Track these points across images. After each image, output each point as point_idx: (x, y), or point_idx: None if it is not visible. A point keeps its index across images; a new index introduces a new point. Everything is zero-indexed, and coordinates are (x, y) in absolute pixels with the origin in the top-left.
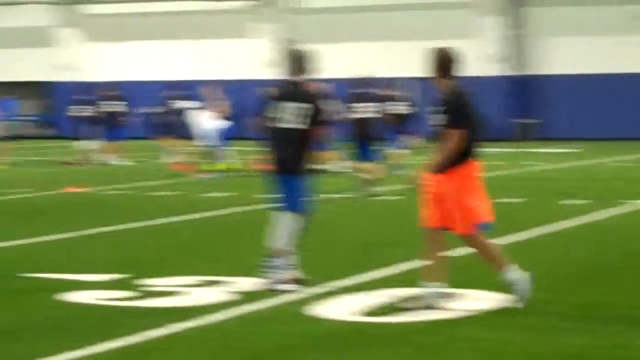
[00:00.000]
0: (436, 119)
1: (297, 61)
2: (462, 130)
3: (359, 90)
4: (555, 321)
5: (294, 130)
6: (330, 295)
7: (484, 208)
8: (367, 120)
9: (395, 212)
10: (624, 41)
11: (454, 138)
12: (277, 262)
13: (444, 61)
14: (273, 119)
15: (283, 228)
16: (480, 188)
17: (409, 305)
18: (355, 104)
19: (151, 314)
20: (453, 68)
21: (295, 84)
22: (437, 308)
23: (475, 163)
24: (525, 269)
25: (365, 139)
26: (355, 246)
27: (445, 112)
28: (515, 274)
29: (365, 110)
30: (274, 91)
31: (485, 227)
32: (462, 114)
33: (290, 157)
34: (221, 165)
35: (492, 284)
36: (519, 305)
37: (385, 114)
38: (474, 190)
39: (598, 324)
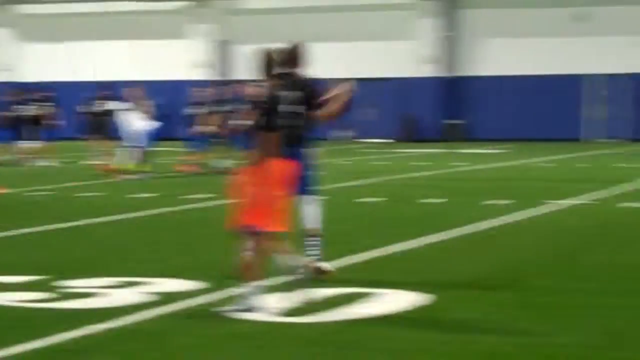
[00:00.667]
0: (245, 119)
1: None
2: (269, 131)
3: None
4: (471, 320)
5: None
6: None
7: (278, 215)
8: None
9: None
10: (556, 43)
11: (262, 138)
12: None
13: (265, 62)
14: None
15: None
16: (283, 190)
17: (236, 307)
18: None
19: (69, 315)
20: (274, 69)
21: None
22: (259, 308)
23: (282, 164)
24: (444, 268)
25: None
26: None
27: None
28: (252, 292)
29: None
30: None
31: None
32: (272, 114)
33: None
34: (131, 166)
35: (410, 283)
36: (227, 309)
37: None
38: (276, 191)
39: (510, 322)
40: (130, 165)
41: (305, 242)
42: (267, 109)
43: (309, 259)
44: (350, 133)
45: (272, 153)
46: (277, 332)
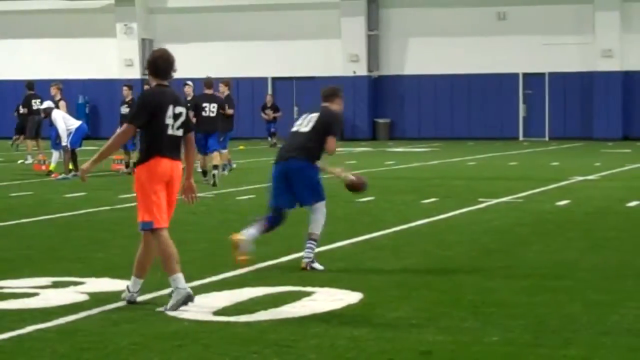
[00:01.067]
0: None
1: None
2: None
3: (208, 91)
4: (401, 317)
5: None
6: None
7: (162, 210)
8: (213, 120)
9: (246, 212)
10: (481, 42)
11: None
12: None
13: (151, 63)
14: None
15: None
16: (167, 187)
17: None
18: (206, 104)
19: (0, 317)
20: (160, 70)
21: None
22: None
23: (167, 162)
24: (374, 266)
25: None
26: (208, 246)
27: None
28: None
29: (212, 110)
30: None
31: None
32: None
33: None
34: (53, 166)
35: (342, 282)
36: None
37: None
38: (157, 188)
39: (440, 320)
40: (56, 165)
41: (306, 244)
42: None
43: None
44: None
45: (158, 151)
46: (214, 332)
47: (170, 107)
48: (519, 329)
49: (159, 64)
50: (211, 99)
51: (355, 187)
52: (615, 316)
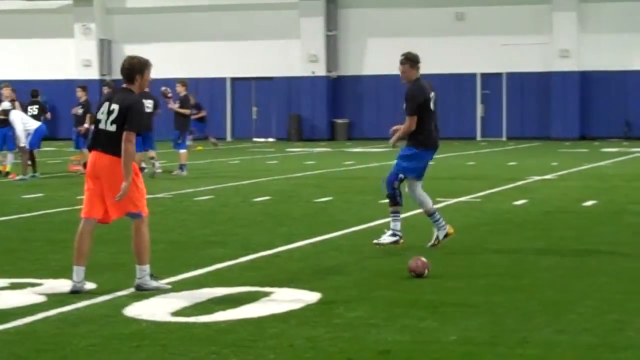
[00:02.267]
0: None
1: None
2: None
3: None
4: (359, 317)
5: None
6: (146, 296)
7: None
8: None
9: (204, 212)
10: (439, 42)
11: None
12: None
13: (133, 70)
14: None
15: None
16: (96, 182)
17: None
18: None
19: None
20: (135, 75)
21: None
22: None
23: (93, 154)
24: (333, 266)
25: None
26: (166, 247)
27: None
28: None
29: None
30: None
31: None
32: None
33: None
34: (9, 167)
35: (300, 282)
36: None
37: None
38: (87, 180)
39: (398, 319)
40: (11, 166)
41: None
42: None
43: None
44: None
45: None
46: (173, 332)
47: (107, 104)
48: (477, 328)
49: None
50: (147, 96)
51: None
52: (572, 315)
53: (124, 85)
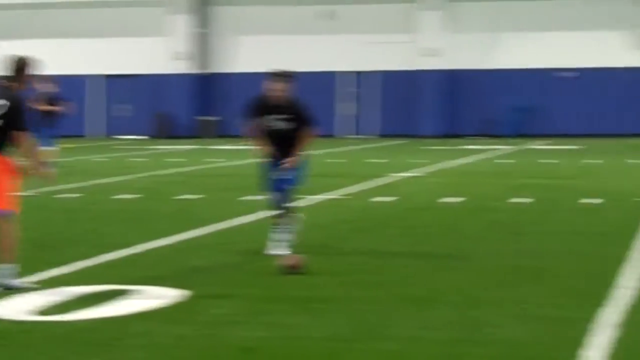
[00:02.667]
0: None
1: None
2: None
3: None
4: (225, 314)
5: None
6: (8, 294)
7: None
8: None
9: (69, 210)
10: (310, 40)
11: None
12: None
13: (17, 68)
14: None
15: None
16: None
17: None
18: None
19: None
20: (23, 75)
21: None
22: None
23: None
24: (198, 264)
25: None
26: (29, 245)
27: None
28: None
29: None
30: None
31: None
32: (24, 116)
33: None
34: None
35: (165, 280)
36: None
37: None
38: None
39: (263, 316)
40: None
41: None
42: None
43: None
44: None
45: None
46: (35, 332)
47: None
48: (340, 324)
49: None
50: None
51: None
52: (433, 311)
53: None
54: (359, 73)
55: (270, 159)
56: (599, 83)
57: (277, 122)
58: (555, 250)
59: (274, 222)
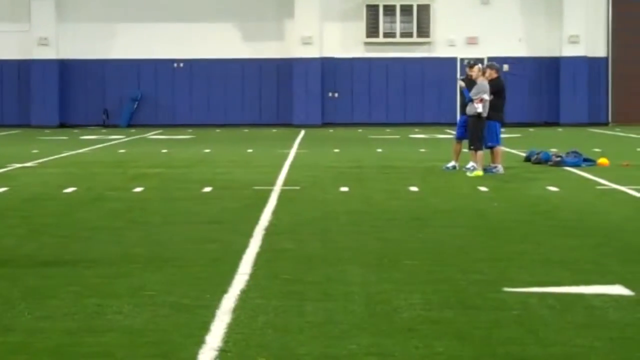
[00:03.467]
0: None
1: None
2: None
3: None
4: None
5: None
6: None
7: None
8: None
9: None
10: None
11: None
12: None
13: None
14: None
15: None
16: None
17: None
18: None
19: None
20: None
21: None
22: None
23: None
24: None
25: None
26: None
27: None
28: None
29: None
30: None
31: None
32: None
33: None
34: None
35: None
36: None
37: None
38: None
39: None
40: None
41: None
42: None
43: None
44: None
45: None
46: None
47: None
48: None
49: None
50: None
51: None
52: (53, 300)
53: None
54: None
55: None
56: (208, 74)
57: None
58: (177, 240)
59: None
